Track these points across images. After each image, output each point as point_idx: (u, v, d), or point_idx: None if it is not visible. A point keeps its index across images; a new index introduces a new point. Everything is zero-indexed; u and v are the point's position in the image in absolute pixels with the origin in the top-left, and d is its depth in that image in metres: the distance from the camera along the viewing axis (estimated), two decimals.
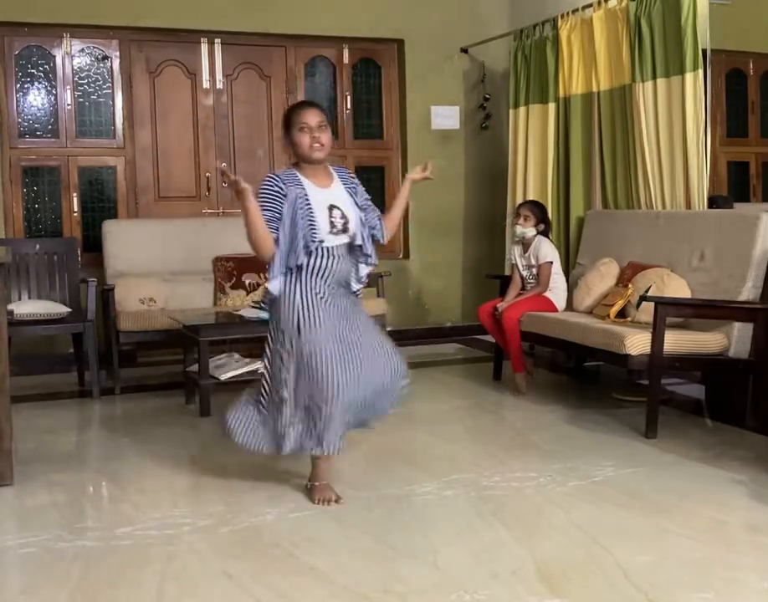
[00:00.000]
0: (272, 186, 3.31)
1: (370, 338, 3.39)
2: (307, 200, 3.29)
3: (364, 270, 3.45)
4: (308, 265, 3.29)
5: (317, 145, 3.30)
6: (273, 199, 3.29)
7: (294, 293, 3.29)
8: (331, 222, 3.30)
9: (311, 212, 3.27)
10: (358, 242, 3.36)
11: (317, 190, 3.33)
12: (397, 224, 3.72)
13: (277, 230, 3.27)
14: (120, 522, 3.20)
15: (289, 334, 3.28)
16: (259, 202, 3.27)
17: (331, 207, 3.32)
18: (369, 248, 3.42)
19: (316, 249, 3.28)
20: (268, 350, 3.39)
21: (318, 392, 3.23)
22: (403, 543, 2.96)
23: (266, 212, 3.26)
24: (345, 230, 3.34)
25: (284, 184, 3.30)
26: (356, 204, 3.41)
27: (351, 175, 3.54)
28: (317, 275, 3.30)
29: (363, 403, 3.35)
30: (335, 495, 3.36)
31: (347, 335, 3.31)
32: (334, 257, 3.32)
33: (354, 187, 3.47)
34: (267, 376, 3.41)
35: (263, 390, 3.41)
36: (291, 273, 3.30)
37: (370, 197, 3.54)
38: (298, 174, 3.35)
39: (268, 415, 3.38)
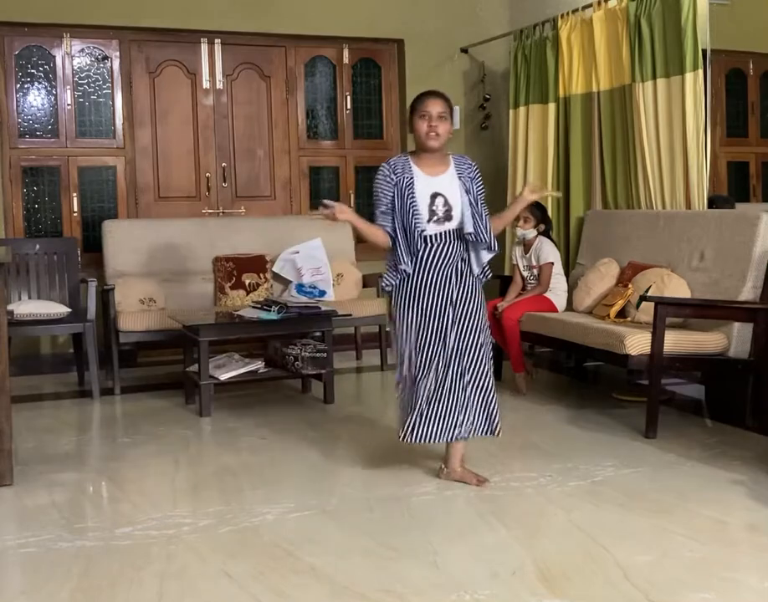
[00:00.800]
0: (384, 178, 3.43)
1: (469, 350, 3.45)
2: (411, 189, 3.38)
3: (485, 256, 3.49)
4: (414, 254, 3.40)
5: (433, 134, 3.40)
6: (384, 192, 3.41)
7: (400, 282, 3.43)
8: (432, 210, 3.38)
9: (414, 202, 3.36)
10: (467, 229, 3.40)
11: (424, 178, 3.42)
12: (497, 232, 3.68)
13: (392, 221, 3.40)
14: (120, 522, 3.20)
15: (400, 321, 3.43)
16: (374, 196, 3.45)
17: (434, 195, 3.40)
18: (483, 235, 3.43)
19: (420, 238, 3.36)
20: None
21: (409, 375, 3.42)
22: (403, 543, 2.96)
23: (380, 207, 3.42)
24: (448, 218, 3.39)
25: (393, 173, 3.41)
26: (470, 191, 3.46)
27: (471, 163, 3.58)
28: (420, 263, 3.40)
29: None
30: (474, 477, 3.50)
31: (447, 327, 3.40)
32: (434, 245, 3.39)
33: (470, 177, 3.51)
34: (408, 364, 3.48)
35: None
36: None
37: (482, 197, 3.55)
38: (410, 161, 3.47)
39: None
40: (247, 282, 5.92)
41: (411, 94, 7.04)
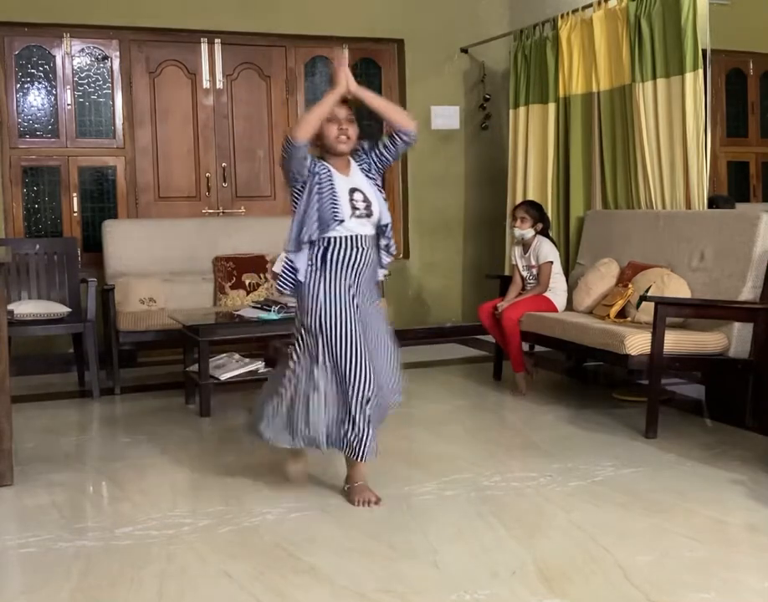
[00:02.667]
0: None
1: (385, 340, 3.43)
2: (330, 180, 3.28)
3: (385, 259, 3.45)
4: (333, 257, 3.27)
5: (343, 137, 3.33)
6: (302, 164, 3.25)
7: (318, 287, 3.27)
8: (353, 205, 3.29)
9: (334, 192, 3.26)
10: (384, 221, 3.36)
11: (340, 175, 3.33)
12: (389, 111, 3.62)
13: (300, 189, 3.26)
14: (120, 522, 3.20)
15: (315, 331, 3.27)
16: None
17: (353, 190, 3.31)
18: (389, 231, 3.41)
19: (341, 240, 3.26)
20: (295, 344, 3.37)
21: (350, 390, 3.24)
22: (403, 543, 2.96)
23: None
24: (368, 214, 3.33)
25: (311, 160, 3.29)
26: (376, 179, 3.40)
27: (364, 148, 3.47)
28: (343, 267, 3.28)
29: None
30: (374, 496, 3.34)
31: (368, 330, 3.33)
32: (360, 249, 3.30)
33: (368, 162, 3.41)
34: (292, 368, 3.37)
35: (286, 383, 3.37)
36: (314, 266, 3.28)
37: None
38: (325, 163, 3.35)
39: (291, 408, 3.36)
40: (247, 282, 5.92)
41: (411, 94, 7.11)
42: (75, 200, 6.45)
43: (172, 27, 6.49)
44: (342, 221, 3.25)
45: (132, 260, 5.92)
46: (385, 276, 3.59)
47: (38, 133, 6.38)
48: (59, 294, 5.65)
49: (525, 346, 5.36)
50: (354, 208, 3.29)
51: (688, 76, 4.95)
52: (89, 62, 6.46)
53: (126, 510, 3.34)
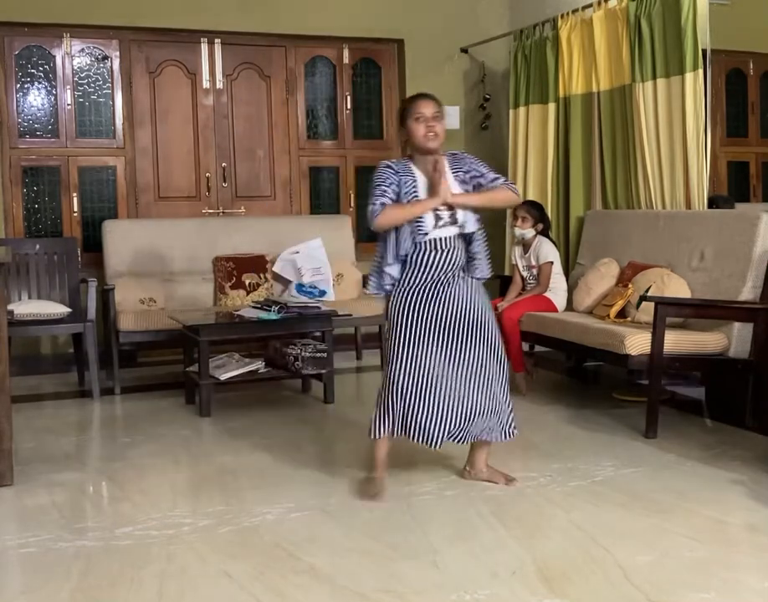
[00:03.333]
0: (388, 169, 3.34)
1: (473, 360, 3.38)
2: (416, 193, 3.31)
3: (476, 275, 3.49)
4: (412, 259, 3.33)
5: (431, 134, 3.32)
6: (388, 185, 3.30)
7: (398, 286, 3.35)
8: (437, 216, 3.30)
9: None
10: (469, 229, 3.39)
11: (426, 183, 3.34)
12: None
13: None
14: (120, 522, 3.20)
15: (391, 326, 3.37)
16: (377, 181, 3.31)
17: None
18: (478, 246, 3.46)
19: (423, 244, 3.31)
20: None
21: (386, 377, 3.36)
22: (403, 543, 2.96)
23: (384, 198, 3.28)
24: (453, 222, 3.34)
25: (396, 172, 3.33)
26: (468, 188, 3.40)
27: (462, 156, 3.51)
28: (421, 269, 3.33)
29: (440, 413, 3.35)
30: (375, 490, 3.40)
31: (439, 332, 3.34)
32: (439, 251, 3.33)
33: (465, 171, 3.43)
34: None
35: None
36: (402, 268, 3.36)
37: (483, 166, 3.47)
38: (411, 165, 3.38)
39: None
40: (247, 282, 5.92)
41: (411, 94, 7.08)
42: (75, 200, 6.45)
43: (172, 27, 6.49)
44: (426, 234, 3.30)
45: (132, 260, 5.92)
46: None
47: (38, 133, 6.38)
48: (59, 294, 5.65)
49: (525, 346, 5.36)
50: (437, 218, 3.31)
51: (688, 76, 4.95)
52: (89, 62, 6.46)
53: (126, 510, 3.34)
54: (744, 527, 3.11)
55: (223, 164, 6.78)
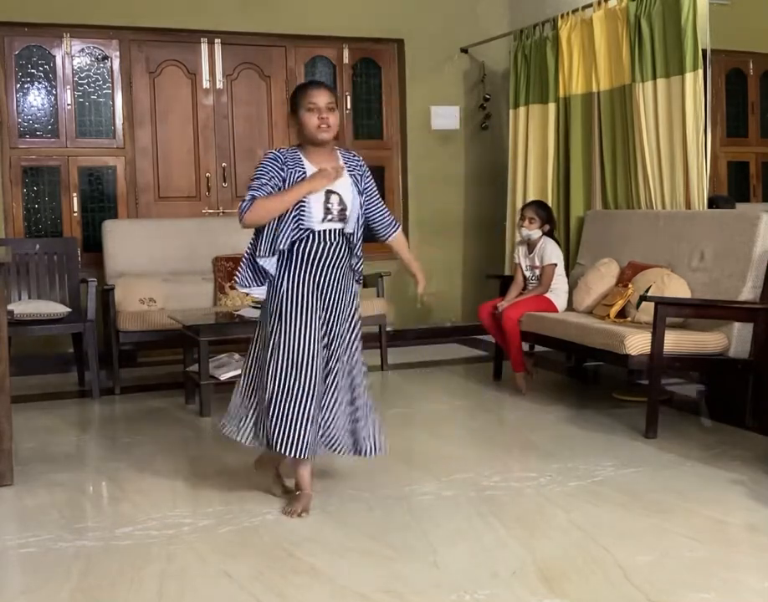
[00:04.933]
0: (273, 162, 3.18)
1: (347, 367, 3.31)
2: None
3: (354, 262, 3.33)
4: (299, 250, 3.19)
5: (324, 125, 3.18)
6: (269, 179, 3.15)
7: (282, 278, 3.21)
8: (327, 208, 3.18)
9: (304, 197, 3.15)
10: (348, 230, 3.25)
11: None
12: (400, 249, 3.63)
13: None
14: (120, 522, 3.20)
15: (271, 320, 3.20)
16: (258, 174, 3.15)
17: (329, 193, 3.18)
18: (356, 240, 3.29)
19: (308, 234, 3.18)
20: (255, 337, 3.32)
21: (283, 381, 3.16)
22: (403, 543, 2.96)
23: (259, 192, 3.13)
24: (342, 218, 3.23)
25: (284, 163, 3.18)
26: (359, 192, 3.29)
27: (359, 159, 3.39)
28: (308, 261, 3.20)
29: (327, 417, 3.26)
30: (300, 507, 3.22)
31: (332, 336, 3.25)
32: (327, 243, 3.21)
33: (360, 174, 3.32)
34: (249, 363, 3.32)
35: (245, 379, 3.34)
36: (282, 258, 3.21)
37: (376, 189, 3.40)
38: (301, 155, 3.22)
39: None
40: None
41: (411, 94, 7.10)
42: (75, 200, 6.45)
43: (172, 27, 6.49)
44: (309, 229, 3.17)
45: (132, 260, 5.93)
46: (358, 275, 3.41)
47: (38, 133, 6.38)
48: (59, 294, 5.65)
49: (525, 346, 5.36)
50: (327, 212, 3.19)
51: (688, 76, 4.95)
52: (89, 62, 6.46)
53: (126, 510, 3.34)
54: (744, 527, 3.11)
55: (223, 164, 6.78)
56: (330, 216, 3.20)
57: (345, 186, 3.24)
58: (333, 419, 3.28)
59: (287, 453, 3.18)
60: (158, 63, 6.59)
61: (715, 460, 3.78)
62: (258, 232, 3.24)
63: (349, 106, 7.07)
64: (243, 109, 6.83)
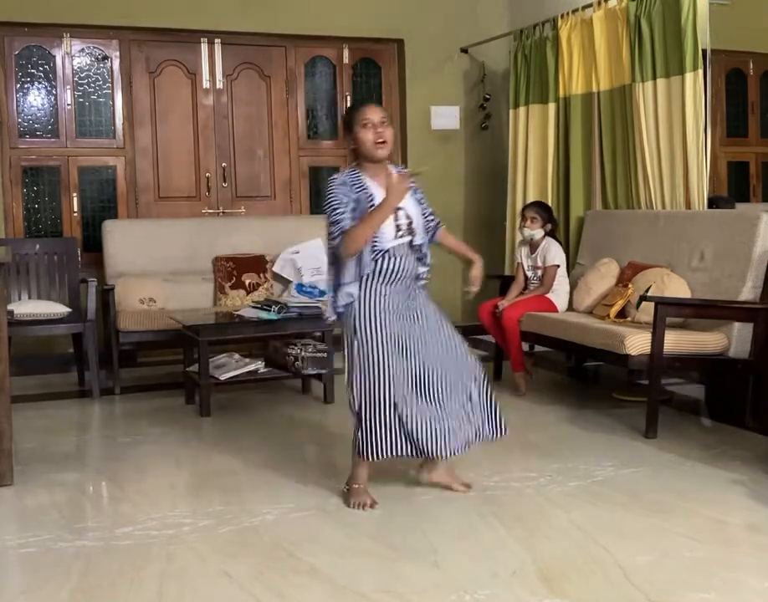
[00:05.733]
0: (342, 186, 3.22)
1: (439, 349, 3.33)
2: (372, 203, 3.21)
3: (422, 270, 3.39)
4: (374, 270, 3.24)
5: (381, 140, 3.24)
6: (345, 207, 3.19)
7: (361, 298, 3.24)
8: (397, 226, 3.25)
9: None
10: (417, 241, 3.32)
11: (381, 192, 3.21)
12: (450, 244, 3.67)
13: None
14: (120, 522, 3.20)
15: (353, 338, 3.25)
16: (334, 204, 3.20)
17: (397, 209, 3.23)
18: (426, 248, 3.37)
19: (382, 254, 3.23)
20: (349, 357, 3.33)
21: (365, 393, 3.22)
22: (403, 543, 2.96)
23: (343, 224, 3.18)
24: (410, 232, 3.29)
25: (351, 186, 3.23)
26: (417, 202, 3.37)
27: (406, 171, 3.43)
28: (383, 279, 3.25)
29: (433, 416, 3.27)
30: (370, 499, 3.31)
31: (409, 342, 3.28)
32: (397, 258, 3.27)
33: (412, 185, 3.38)
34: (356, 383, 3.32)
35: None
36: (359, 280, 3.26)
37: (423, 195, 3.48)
38: (361, 176, 3.27)
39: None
40: (247, 282, 5.92)
41: (411, 94, 7.10)
42: (75, 200, 6.45)
43: (172, 27, 6.49)
44: (382, 250, 3.23)
45: (132, 260, 5.92)
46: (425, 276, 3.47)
47: (38, 133, 6.38)
48: (59, 294, 5.65)
49: (525, 346, 5.36)
50: (398, 229, 3.25)
51: (688, 76, 4.95)
52: (89, 62, 6.46)
53: (126, 510, 3.34)
54: (744, 527, 3.11)
55: (223, 164, 6.78)
56: (400, 233, 3.27)
57: (407, 200, 3.30)
58: (450, 418, 3.29)
59: (365, 458, 3.26)
60: (158, 63, 6.59)
61: (715, 460, 3.78)
62: (336, 262, 3.28)
63: (349, 106, 7.07)
64: (243, 109, 6.83)
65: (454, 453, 3.30)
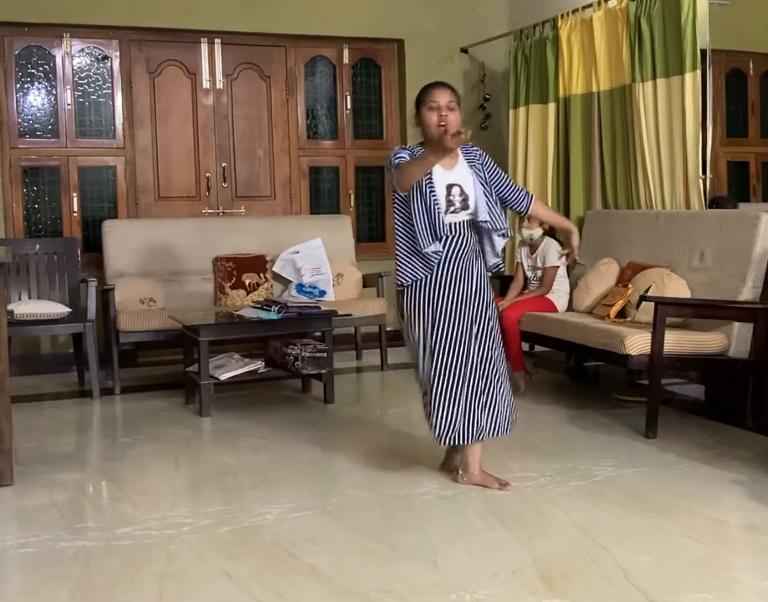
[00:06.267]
0: (405, 149, 3.35)
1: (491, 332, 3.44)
2: (429, 177, 3.28)
3: (500, 243, 3.46)
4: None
5: (442, 124, 3.29)
6: (405, 156, 3.32)
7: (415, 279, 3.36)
8: (449, 201, 3.32)
9: (433, 190, 3.28)
10: (481, 218, 3.37)
11: (439, 168, 3.30)
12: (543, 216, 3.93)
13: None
14: (120, 522, 3.20)
15: (415, 317, 3.36)
16: (394, 156, 3.32)
17: (450, 186, 3.32)
18: (498, 222, 3.40)
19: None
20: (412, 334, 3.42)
21: (433, 375, 3.33)
22: (403, 543, 2.96)
23: (403, 156, 3.31)
24: (465, 207, 3.34)
25: (412, 156, 3.32)
26: (483, 180, 3.41)
27: (477, 150, 3.51)
28: (442, 256, 3.34)
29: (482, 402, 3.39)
30: (497, 481, 3.45)
31: (470, 320, 3.37)
32: (452, 235, 3.33)
33: (480, 163, 3.46)
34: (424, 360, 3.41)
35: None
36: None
37: (501, 171, 3.55)
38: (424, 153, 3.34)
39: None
40: (247, 282, 5.92)
41: (411, 94, 7.05)
42: (75, 200, 6.44)
43: (172, 27, 6.48)
44: (440, 226, 3.29)
45: (132, 260, 5.92)
46: (497, 264, 3.58)
47: (38, 133, 6.38)
48: (59, 294, 5.65)
49: (525, 346, 5.36)
50: (449, 204, 3.32)
51: (688, 76, 4.95)
52: (89, 62, 6.46)
53: (126, 510, 3.34)
54: (744, 527, 3.11)
55: (223, 164, 6.78)
56: (452, 208, 3.33)
57: (464, 177, 3.37)
58: (498, 401, 3.43)
59: (443, 442, 3.42)
60: (158, 63, 6.59)
61: (715, 460, 3.78)
62: (405, 232, 3.35)
63: (349, 106, 7.07)
64: (243, 109, 6.83)
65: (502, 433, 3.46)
